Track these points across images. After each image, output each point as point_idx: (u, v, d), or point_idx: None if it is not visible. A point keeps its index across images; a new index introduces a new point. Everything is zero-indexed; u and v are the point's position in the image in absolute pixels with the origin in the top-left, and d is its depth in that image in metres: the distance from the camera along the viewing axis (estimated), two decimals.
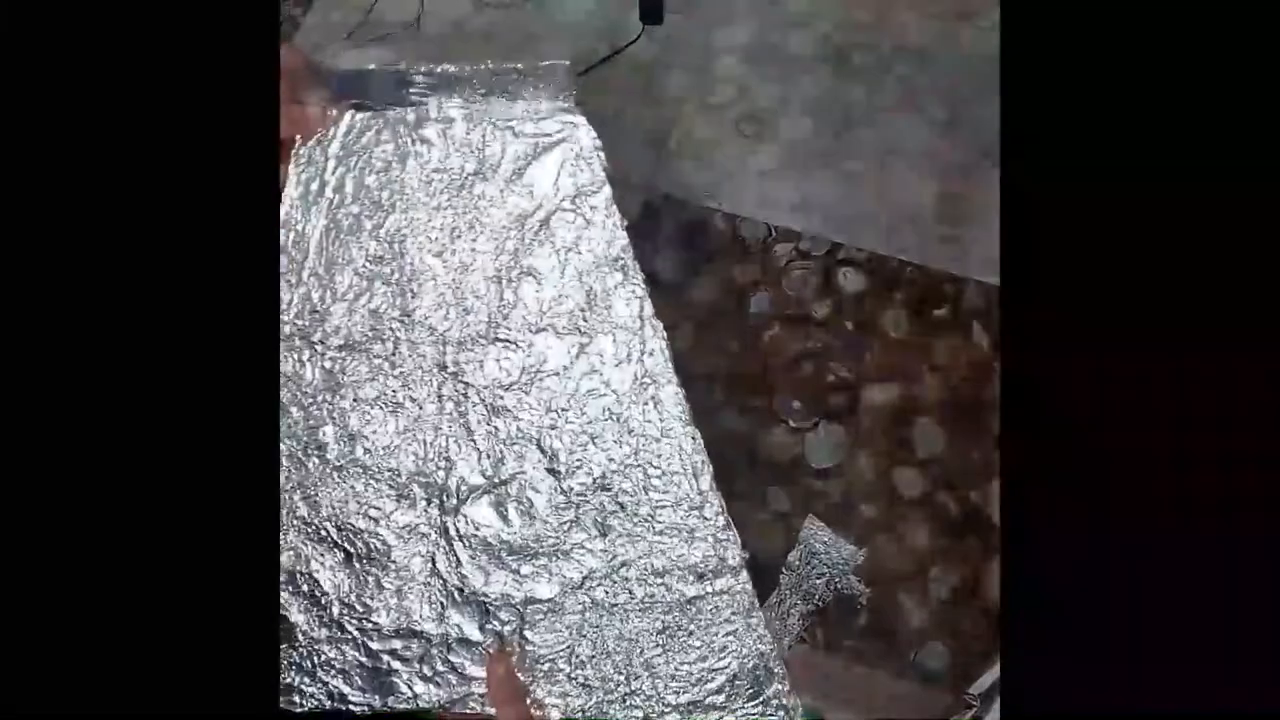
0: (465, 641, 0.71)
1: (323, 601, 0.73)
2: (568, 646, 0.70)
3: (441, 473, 0.74)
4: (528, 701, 0.69)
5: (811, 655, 1.04)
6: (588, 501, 0.72)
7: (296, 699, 0.71)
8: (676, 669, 0.69)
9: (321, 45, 1.39)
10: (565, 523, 0.72)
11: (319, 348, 0.77)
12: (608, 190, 0.79)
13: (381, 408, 0.76)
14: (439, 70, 0.82)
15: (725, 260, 1.23)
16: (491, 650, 0.70)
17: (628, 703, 0.69)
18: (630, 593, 0.70)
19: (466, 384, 0.76)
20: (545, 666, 0.70)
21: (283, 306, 0.77)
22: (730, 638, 0.69)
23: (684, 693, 0.69)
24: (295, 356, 0.77)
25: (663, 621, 0.70)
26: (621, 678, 0.69)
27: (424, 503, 0.74)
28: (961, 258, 1.21)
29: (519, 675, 0.69)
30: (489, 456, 0.74)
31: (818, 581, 1.06)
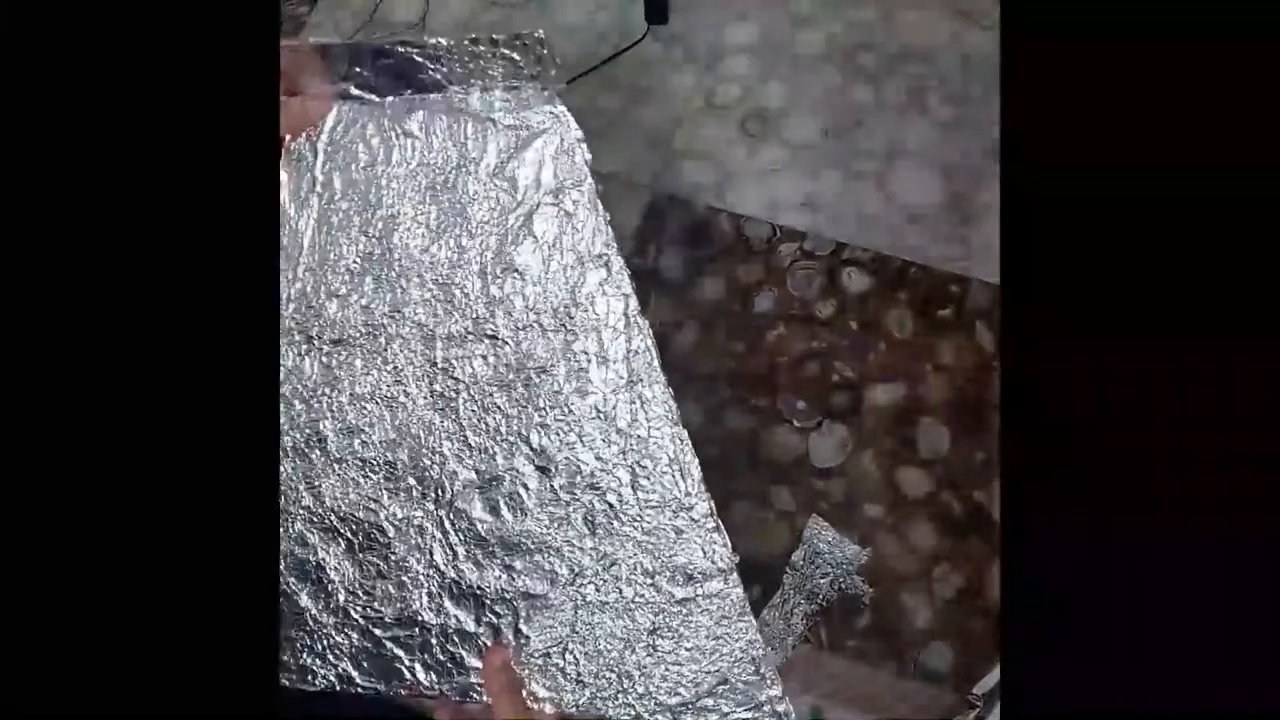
0: (463, 633, 0.72)
1: (329, 589, 0.73)
2: (561, 642, 0.70)
3: (436, 468, 0.75)
4: (523, 694, 0.69)
5: (814, 655, 1.04)
6: (577, 499, 0.72)
7: (309, 678, 0.72)
8: (666, 670, 0.69)
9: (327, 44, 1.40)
10: (556, 520, 0.72)
11: (316, 342, 0.77)
12: (590, 184, 0.78)
13: (377, 403, 0.76)
14: (423, 43, 0.81)
15: (730, 260, 1.23)
16: (488, 643, 0.70)
17: (619, 700, 0.69)
18: (620, 592, 0.70)
19: (456, 380, 0.76)
20: (540, 661, 0.70)
21: (282, 301, 0.78)
22: (720, 641, 0.69)
23: (674, 694, 0.69)
24: (295, 351, 0.77)
25: (652, 622, 0.70)
26: (614, 675, 0.70)
27: (420, 496, 0.74)
28: (966, 258, 1.21)
29: (515, 667, 0.69)
30: (481, 452, 0.75)
31: (821, 581, 1.06)
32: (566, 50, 1.35)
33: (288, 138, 0.80)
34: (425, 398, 0.76)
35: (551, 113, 0.80)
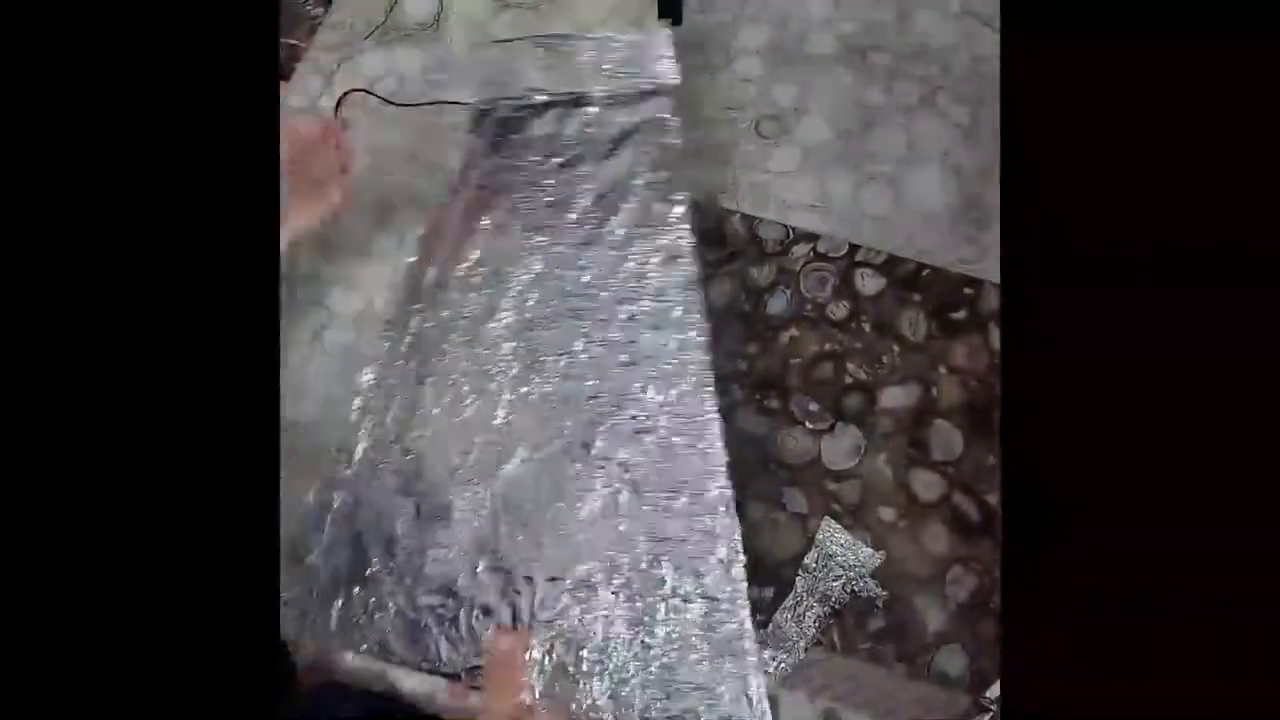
0: (488, 609, 0.73)
1: (394, 550, 0.76)
2: (586, 629, 0.72)
3: (497, 449, 0.78)
4: (522, 681, 0.69)
5: (827, 657, 1.04)
6: (614, 491, 0.75)
7: (358, 640, 0.74)
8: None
9: (341, 45, 1.41)
10: (593, 511, 0.75)
11: (429, 318, 0.90)
12: (682, 197, 0.84)
13: (466, 385, 0.80)
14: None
15: (743, 261, 1.23)
16: (500, 626, 0.72)
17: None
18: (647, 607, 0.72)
19: (540, 361, 0.80)
20: (557, 637, 0.72)
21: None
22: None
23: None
24: (419, 319, 0.91)
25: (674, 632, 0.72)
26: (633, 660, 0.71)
27: (482, 474, 0.78)
28: (980, 260, 1.20)
29: (520, 657, 0.70)
30: (543, 433, 0.78)
31: (834, 584, 1.06)
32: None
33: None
34: (507, 383, 0.85)
35: (655, 115, 0.91)
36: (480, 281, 0.89)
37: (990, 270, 1.19)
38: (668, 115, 0.96)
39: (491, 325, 0.87)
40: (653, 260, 0.87)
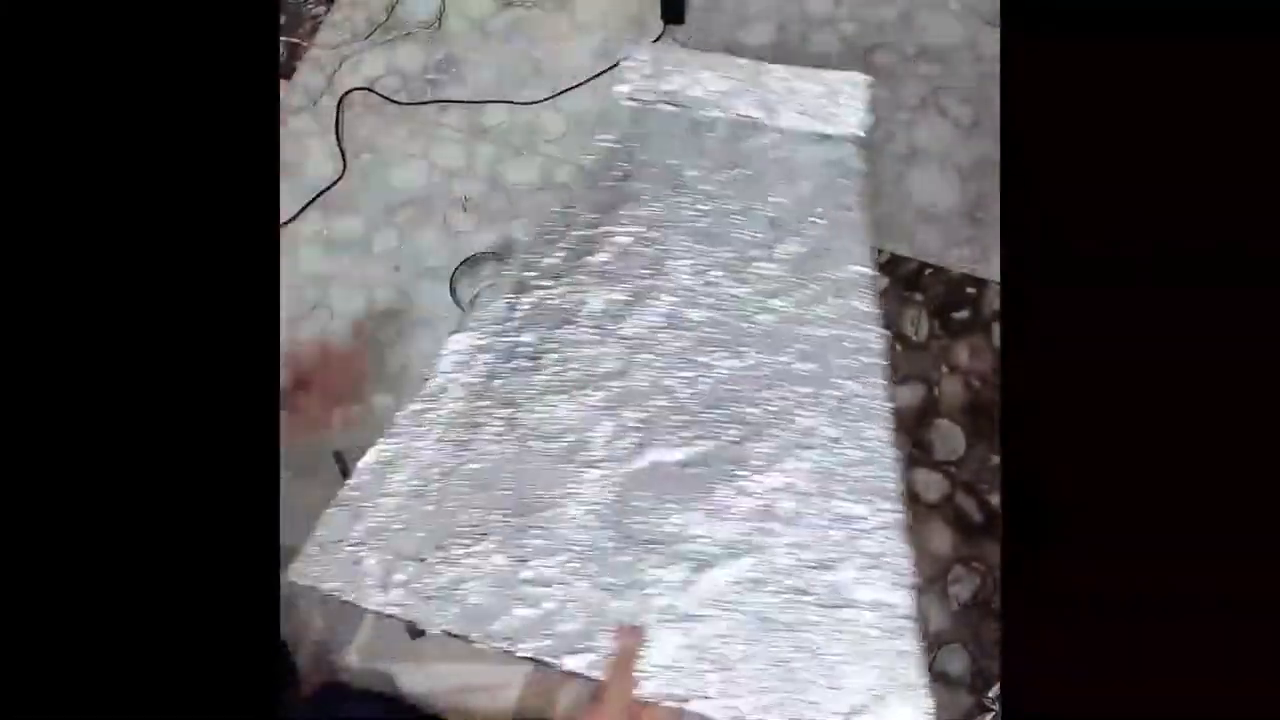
0: (602, 597, 0.72)
1: (486, 521, 0.75)
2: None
3: (633, 439, 0.78)
4: (636, 679, 0.67)
5: None
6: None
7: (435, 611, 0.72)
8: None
9: (343, 43, 1.41)
10: (741, 514, 0.74)
11: (552, 296, 0.88)
12: (862, 217, 0.87)
13: (599, 369, 0.83)
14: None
15: None
16: (623, 625, 0.69)
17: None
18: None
19: (692, 362, 0.82)
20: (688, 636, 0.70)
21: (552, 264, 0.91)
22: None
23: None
24: (541, 293, 0.89)
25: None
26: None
27: (609, 459, 0.78)
28: (983, 260, 1.20)
29: (639, 653, 0.68)
30: (690, 431, 0.79)
31: None
32: (582, 50, 1.35)
33: None
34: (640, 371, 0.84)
35: (841, 154, 0.98)
36: (619, 271, 0.88)
37: (992, 269, 1.19)
38: (856, 162, 0.97)
39: (630, 320, 0.85)
40: (831, 291, 0.87)
